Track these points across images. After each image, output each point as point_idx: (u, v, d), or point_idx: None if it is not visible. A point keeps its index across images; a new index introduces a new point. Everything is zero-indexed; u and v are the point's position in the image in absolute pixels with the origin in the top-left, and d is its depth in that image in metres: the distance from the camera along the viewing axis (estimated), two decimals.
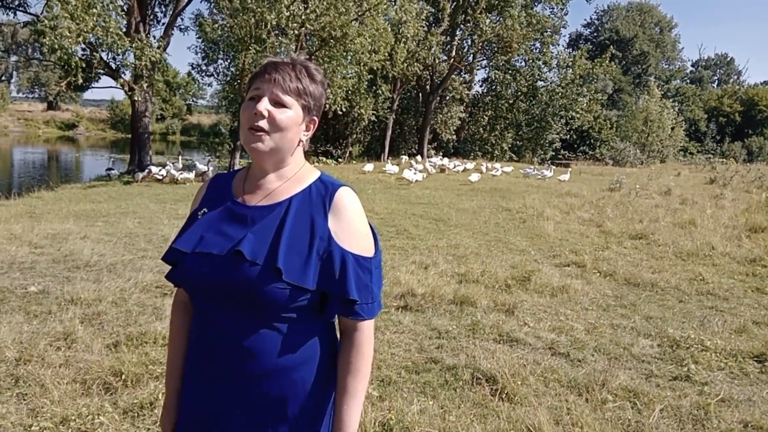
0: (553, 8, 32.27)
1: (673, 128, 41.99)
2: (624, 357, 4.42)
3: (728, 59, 78.95)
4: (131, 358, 3.80)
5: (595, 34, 62.38)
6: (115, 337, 4.24)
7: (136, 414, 3.22)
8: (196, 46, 21.62)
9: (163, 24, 19.28)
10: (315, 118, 1.49)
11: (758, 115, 62.25)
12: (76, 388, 3.48)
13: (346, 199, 1.42)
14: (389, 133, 29.20)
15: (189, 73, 20.60)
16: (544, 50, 32.56)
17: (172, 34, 17.88)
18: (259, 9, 13.15)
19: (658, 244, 8.94)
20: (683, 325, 5.19)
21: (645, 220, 11.17)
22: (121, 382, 3.56)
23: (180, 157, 16.05)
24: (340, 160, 26.19)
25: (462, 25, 29.28)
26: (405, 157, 25.05)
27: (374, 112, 22.82)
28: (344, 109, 17.58)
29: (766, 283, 6.78)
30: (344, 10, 14.33)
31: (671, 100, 46.08)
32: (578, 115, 33.83)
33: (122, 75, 15.31)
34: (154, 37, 17.51)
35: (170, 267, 1.48)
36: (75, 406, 3.23)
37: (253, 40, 13.76)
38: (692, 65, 76.11)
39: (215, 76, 20.66)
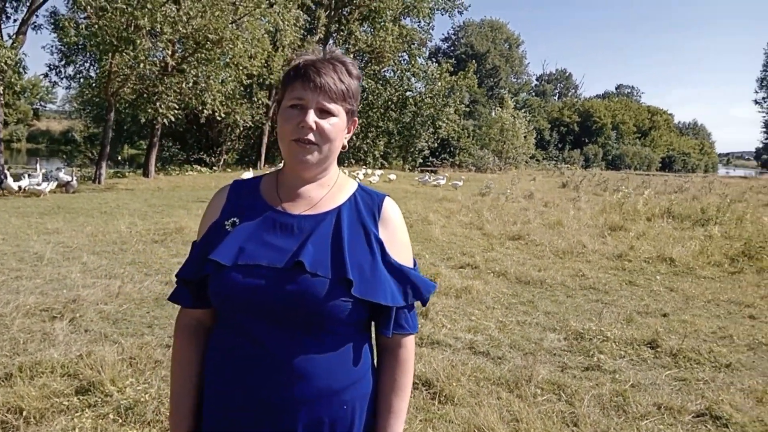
0: (420, 22, 33.73)
1: (525, 137, 45.36)
2: (538, 352, 4.66)
3: (567, 74, 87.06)
4: (30, 392, 3.36)
5: (452, 48, 65.91)
6: (4, 369, 3.73)
7: None
8: (52, 46, 19.44)
9: (15, 21, 17.28)
10: (355, 118, 1.41)
11: (593, 125, 69.39)
12: None
13: (393, 209, 1.39)
14: (266, 139, 28.65)
15: (46, 75, 18.58)
16: (412, 62, 33.85)
17: (25, 32, 16.06)
18: (129, 8, 12.22)
19: (535, 244, 9.57)
20: (579, 318, 5.58)
21: (518, 222, 11.92)
22: (22, 419, 3.14)
23: (38, 167, 14.46)
24: (214, 168, 25.17)
25: (335, 35, 29.61)
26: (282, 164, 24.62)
27: (250, 118, 22.23)
28: (222, 115, 16.95)
29: (635, 277, 7.51)
30: (219, 13, 13.79)
31: (521, 110, 49.71)
32: (445, 125, 35.54)
33: None
34: (9, 35, 15.63)
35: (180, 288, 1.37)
36: None
37: (122, 41, 12.75)
38: (537, 79, 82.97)
39: (74, 78, 18.80)
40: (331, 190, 1.37)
